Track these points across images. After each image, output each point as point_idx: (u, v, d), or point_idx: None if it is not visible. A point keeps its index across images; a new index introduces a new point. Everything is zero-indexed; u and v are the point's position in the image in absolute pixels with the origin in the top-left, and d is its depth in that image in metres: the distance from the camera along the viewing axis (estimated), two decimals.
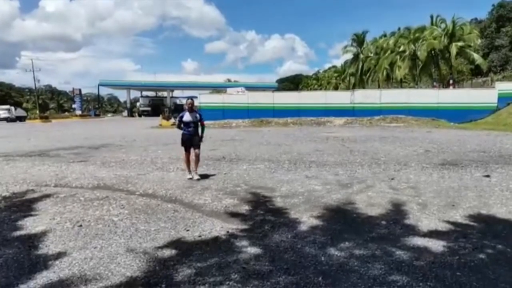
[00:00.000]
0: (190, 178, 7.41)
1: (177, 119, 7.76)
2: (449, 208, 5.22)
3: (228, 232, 4.26)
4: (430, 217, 4.81)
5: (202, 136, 7.74)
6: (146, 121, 39.60)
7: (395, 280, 3.05)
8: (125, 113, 68.93)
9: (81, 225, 4.57)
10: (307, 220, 4.72)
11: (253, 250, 3.71)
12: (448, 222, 4.59)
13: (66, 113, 71.58)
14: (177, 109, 58.73)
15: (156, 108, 60.72)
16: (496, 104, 27.77)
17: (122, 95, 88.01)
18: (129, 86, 65.31)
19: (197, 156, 7.62)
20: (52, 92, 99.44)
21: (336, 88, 67.29)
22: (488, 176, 7.48)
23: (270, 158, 10.16)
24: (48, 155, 11.59)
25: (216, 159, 10.26)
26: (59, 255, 3.64)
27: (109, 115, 77.92)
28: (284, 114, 28.89)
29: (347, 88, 52.21)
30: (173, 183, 7.04)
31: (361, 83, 52.79)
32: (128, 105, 68.41)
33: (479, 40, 41.16)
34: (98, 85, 65.20)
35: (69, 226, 4.54)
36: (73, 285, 3.02)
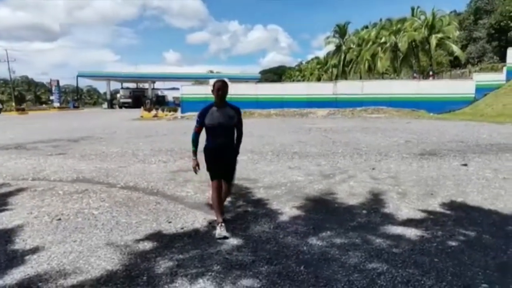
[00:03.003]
0: (224, 237, 3.74)
1: (196, 121, 3.96)
2: (428, 196, 5.34)
3: (210, 223, 4.25)
4: (409, 205, 4.90)
5: (237, 152, 4.26)
6: (127, 113, 38.98)
7: (374, 267, 3.11)
8: (105, 105, 67.64)
9: (60, 219, 4.47)
10: (289, 210, 4.75)
11: (235, 241, 3.71)
12: (427, 210, 4.69)
13: (44, 105, 69.71)
14: (159, 101, 58.16)
15: (137, 99, 59.84)
16: (473, 95, 28.46)
17: (102, 87, 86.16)
18: (109, 77, 64.03)
19: (228, 191, 4.34)
20: (29, 84, 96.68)
21: (319, 79, 67.63)
22: (465, 165, 7.67)
23: (253, 149, 10.15)
24: (25, 148, 11.28)
25: (199, 150, 10.16)
26: (36, 250, 3.56)
27: (104, 106, 76.52)
28: (267, 106, 28.90)
29: (330, 80, 52.54)
30: (155, 175, 6.96)
31: (343, 75, 53.20)
32: (108, 97, 67.16)
33: (458, 32, 41.97)
34: (77, 76, 63.78)
35: (47, 220, 4.44)
36: (51, 280, 2.96)
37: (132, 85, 69.47)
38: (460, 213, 4.59)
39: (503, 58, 32.00)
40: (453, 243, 3.62)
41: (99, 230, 4.08)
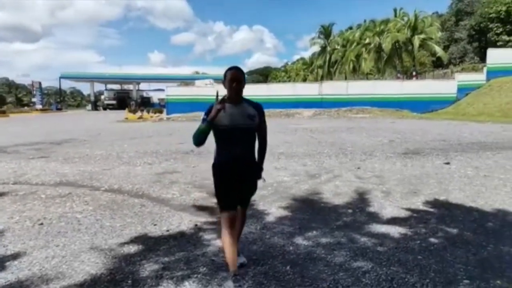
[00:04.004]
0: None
1: (202, 121, 2.74)
2: (411, 195, 5.42)
3: (196, 225, 4.23)
4: (394, 204, 4.97)
5: (262, 168, 3.05)
6: (111, 114, 38.50)
7: (359, 266, 3.14)
8: (89, 106, 66.67)
9: (42, 223, 4.38)
10: (276, 211, 4.76)
11: (222, 242, 3.70)
12: (410, 208, 4.76)
13: (26, 107, 68.22)
14: (144, 102, 57.62)
15: (122, 101, 59.23)
16: (455, 95, 29.07)
17: (86, 88, 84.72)
18: (92, 79, 63.18)
19: (244, 217, 3.17)
20: (10, 86, 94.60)
21: (304, 80, 68.00)
22: (448, 163, 7.82)
23: None
24: (6, 151, 11.03)
25: (185, 152, 10.13)
26: (18, 255, 3.48)
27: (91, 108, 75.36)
28: None
29: (315, 80, 52.87)
30: (140, 178, 6.88)
31: (328, 75, 53.61)
32: (92, 99, 66.20)
33: (440, 33, 42.78)
34: (60, 77, 62.74)
35: (29, 225, 4.34)
36: (33, 285, 2.89)
37: (116, 87, 68.67)
38: (443, 210, 4.68)
39: (483, 59, 32.78)
40: (436, 241, 3.68)
41: (83, 234, 4.01)
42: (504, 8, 36.46)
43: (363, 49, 46.34)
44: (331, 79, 50.10)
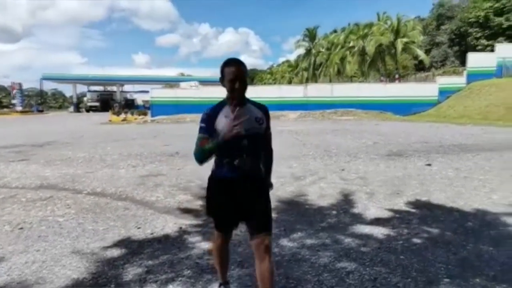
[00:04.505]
0: None
1: (200, 128, 2.28)
2: (394, 196, 5.51)
3: (181, 228, 4.20)
4: (377, 205, 5.04)
5: (271, 184, 2.64)
6: (95, 116, 37.93)
7: (343, 266, 3.17)
8: (71, 108, 65.50)
9: (22, 228, 4.28)
10: None
11: (207, 245, 3.68)
12: (393, 209, 4.84)
13: (5, 109, 66.58)
14: (128, 104, 56.94)
15: (105, 103, 58.42)
16: (437, 98, 29.66)
17: (68, 90, 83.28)
18: (75, 80, 62.15)
19: (269, 255, 2.30)
20: None
21: (289, 82, 68.37)
22: (429, 165, 7.97)
23: None
24: None
25: (170, 154, 10.06)
26: None
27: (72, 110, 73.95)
28: None
29: (301, 82, 53.21)
30: (124, 180, 6.80)
31: (313, 78, 54.04)
32: (75, 100, 65.08)
33: (422, 37, 43.66)
34: (41, 79, 61.52)
35: (8, 229, 4.24)
36: None
37: (99, 88, 67.67)
38: (425, 211, 4.76)
39: (463, 62, 33.58)
40: (418, 241, 3.75)
41: (64, 238, 3.94)
42: (482, 14, 37.43)
43: (347, 52, 46.90)
44: (316, 81, 50.53)
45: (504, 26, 36.03)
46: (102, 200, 5.48)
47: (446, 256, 3.37)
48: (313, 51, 54.12)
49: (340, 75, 50.69)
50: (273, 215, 4.67)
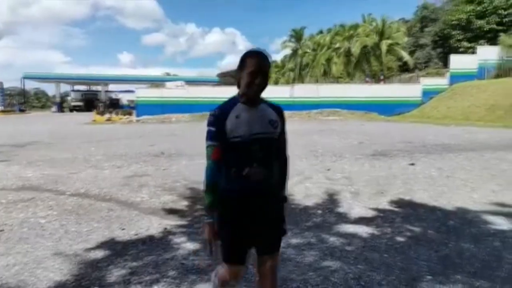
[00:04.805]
0: None
1: (208, 134, 1.92)
2: (379, 195, 5.58)
3: (166, 229, 4.17)
4: (362, 204, 5.09)
5: (285, 198, 2.16)
6: (78, 116, 37.33)
7: (328, 265, 3.20)
8: (55, 108, 64.29)
9: (2, 230, 4.19)
10: None
11: (192, 245, 3.67)
12: (377, 208, 4.90)
13: None
14: (113, 104, 56.21)
15: (89, 103, 57.59)
16: (421, 99, 30.18)
17: (51, 89, 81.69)
18: (58, 79, 60.98)
19: (274, 273, 2.10)
20: None
21: (276, 82, 68.48)
22: (413, 164, 8.09)
23: None
24: None
25: (155, 154, 9.97)
26: None
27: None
28: None
29: (287, 83, 53.41)
30: (108, 181, 6.71)
31: (300, 78, 54.27)
32: (58, 100, 63.89)
33: (406, 39, 44.32)
34: (23, 78, 60.16)
35: None
36: None
37: (83, 88, 66.60)
38: (408, 210, 4.84)
39: (446, 64, 34.20)
40: (401, 239, 3.81)
41: (46, 240, 3.87)
42: (465, 16, 38.16)
43: (333, 53, 47.27)
44: (303, 82, 50.77)
45: (485, 29, 36.79)
46: (86, 201, 5.40)
47: (428, 254, 3.43)
48: (300, 51, 54.37)
49: (326, 76, 51.04)
50: None
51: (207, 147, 1.91)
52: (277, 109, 2.06)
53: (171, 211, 4.87)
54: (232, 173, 1.90)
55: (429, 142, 12.20)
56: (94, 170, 7.90)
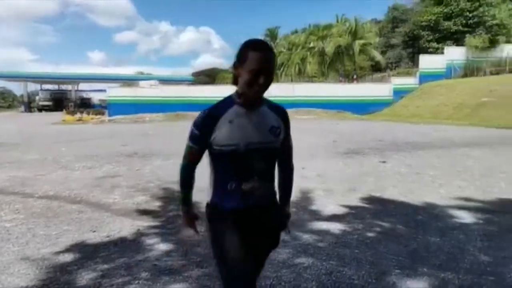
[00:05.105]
0: None
1: (191, 135, 1.71)
2: (351, 192, 5.70)
3: (138, 230, 4.11)
4: (334, 202, 5.18)
5: (288, 214, 1.97)
6: (47, 116, 36.10)
7: (301, 262, 3.24)
8: (22, 108, 61.97)
9: None
10: None
11: (165, 246, 3.64)
12: (349, 205, 5.00)
13: None
14: (84, 104, 54.79)
15: (59, 102, 55.96)
16: (392, 98, 31.00)
17: (18, 89, 78.60)
18: (26, 78, 58.82)
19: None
20: None
21: None
22: (384, 162, 8.31)
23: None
24: None
25: (128, 155, 9.79)
26: None
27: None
28: (201, 108, 28.25)
29: None
30: (79, 182, 6.54)
31: (275, 77, 54.49)
32: (26, 99, 61.58)
33: (378, 39, 45.38)
34: None
35: None
36: None
37: (53, 87, 64.50)
38: (378, 206, 4.97)
39: (416, 64, 35.28)
40: (372, 235, 3.91)
41: (12, 245, 3.73)
42: (433, 18, 39.43)
43: (308, 53, 47.77)
44: (278, 81, 51.06)
45: (452, 30, 38.18)
46: (55, 203, 5.24)
47: (397, 248, 3.54)
48: (274, 50, 54.55)
49: (301, 75, 51.54)
50: None
51: (187, 146, 1.75)
52: (281, 111, 1.76)
53: (144, 212, 4.80)
54: (229, 187, 1.65)
55: (399, 140, 12.55)
56: (64, 171, 7.68)
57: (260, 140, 1.63)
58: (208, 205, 1.78)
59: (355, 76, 41.88)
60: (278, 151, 1.73)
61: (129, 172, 7.52)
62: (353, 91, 31.93)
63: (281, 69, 54.29)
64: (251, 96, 1.60)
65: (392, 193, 5.64)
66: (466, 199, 5.24)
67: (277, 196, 1.86)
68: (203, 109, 1.68)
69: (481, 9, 36.94)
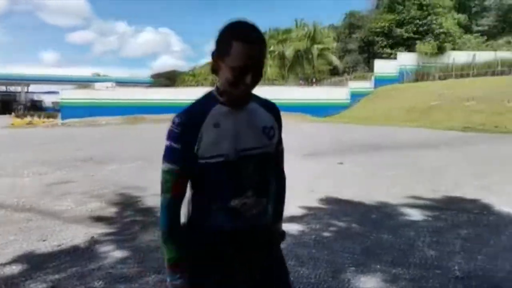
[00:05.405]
0: None
1: (168, 152, 1.21)
2: (309, 193, 5.81)
3: (92, 237, 3.95)
4: (293, 203, 5.25)
5: (283, 232, 1.69)
6: None
7: None
8: None
9: None
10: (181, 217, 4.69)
11: (120, 253, 3.53)
12: (307, 206, 5.10)
13: None
14: (35, 106, 51.95)
15: (6, 105, 52.79)
16: (349, 101, 32.04)
17: None
18: None
19: None
20: None
21: (212, 84, 68.09)
22: (341, 163, 8.56)
23: (144, 156, 9.75)
24: None
25: (83, 160, 9.41)
26: None
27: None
28: (160, 111, 28.04)
29: None
30: (28, 190, 6.20)
31: None
32: None
33: (335, 44, 46.80)
34: None
35: None
36: None
37: (0, 89, 60.67)
38: (335, 206, 5.12)
39: (372, 68, 36.76)
40: (328, 234, 4.02)
41: None
42: (387, 25, 41.28)
43: (268, 56, 48.35)
44: None
45: (404, 36, 40.16)
46: (1, 212, 4.93)
47: (352, 246, 3.66)
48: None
49: (262, 78, 51.93)
50: None
51: (165, 172, 1.22)
52: (272, 108, 1.41)
53: (99, 219, 4.63)
54: (214, 204, 1.24)
55: (356, 142, 13.00)
56: (12, 178, 7.24)
57: (254, 145, 1.27)
58: (193, 233, 1.28)
59: (314, 80, 42.87)
60: (272, 157, 1.38)
61: (84, 177, 7.23)
62: (312, 94, 32.66)
63: None
64: (236, 95, 1.23)
65: (348, 193, 5.82)
66: (417, 198, 5.52)
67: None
68: (177, 114, 1.23)
69: (429, 18, 39.13)
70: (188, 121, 1.21)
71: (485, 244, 3.68)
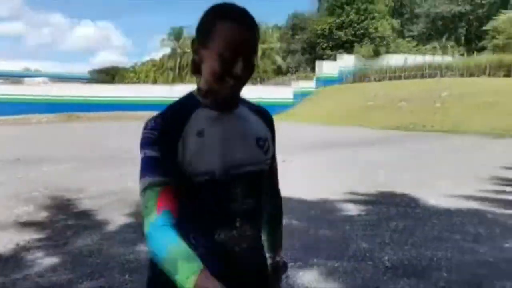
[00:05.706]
0: None
1: (145, 167, 0.94)
2: None
3: (18, 245, 3.66)
4: None
5: (283, 260, 1.22)
6: None
7: None
8: None
9: None
10: (118, 219, 4.51)
11: (50, 260, 3.31)
12: None
13: None
14: None
15: None
16: (293, 100, 32.88)
17: None
18: None
19: None
20: None
21: (155, 82, 66.34)
22: (284, 161, 8.74)
23: (79, 156, 9.25)
24: None
25: (10, 161, 8.68)
26: None
27: None
28: (98, 109, 26.77)
29: (166, 82, 52.21)
30: None
31: (180, 78, 53.60)
32: None
33: (279, 44, 47.76)
34: None
35: None
36: None
37: None
38: None
39: (314, 69, 38.05)
40: None
41: None
42: (327, 27, 42.95)
43: None
44: (182, 82, 50.27)
45: (344, 39, 42.07)
46: None
47: (292, 242, 3.75)
48: (179, 50, 53.70)
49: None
50: (132, 219, 4.48)
51: (145, 190, 0.93)
52: (266, 115, 1.17)
53: (27, 224, 4.31)
54: (192, 241, 0.94)
55: (299, 140, 13.38)
56: None
57: (246, 161, 1.00)
58: (151, 273, 1.01)
59: (258, 79, 43.39)
60: (266, 175, 1.10)
61: (10, 180, 6.68)
62: (257, 93, 32.88)
63: (186, 70, 53.66)
64: (224, 94, 0.97)
65: (290, 191, 5.94)
66: (354, 193, 5.81)
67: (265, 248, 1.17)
68: (150, 118, 0.97)
69: (366, 22, 41.34)
70: (166, 125, 0.95)
71: (411, 235, 3.96)
